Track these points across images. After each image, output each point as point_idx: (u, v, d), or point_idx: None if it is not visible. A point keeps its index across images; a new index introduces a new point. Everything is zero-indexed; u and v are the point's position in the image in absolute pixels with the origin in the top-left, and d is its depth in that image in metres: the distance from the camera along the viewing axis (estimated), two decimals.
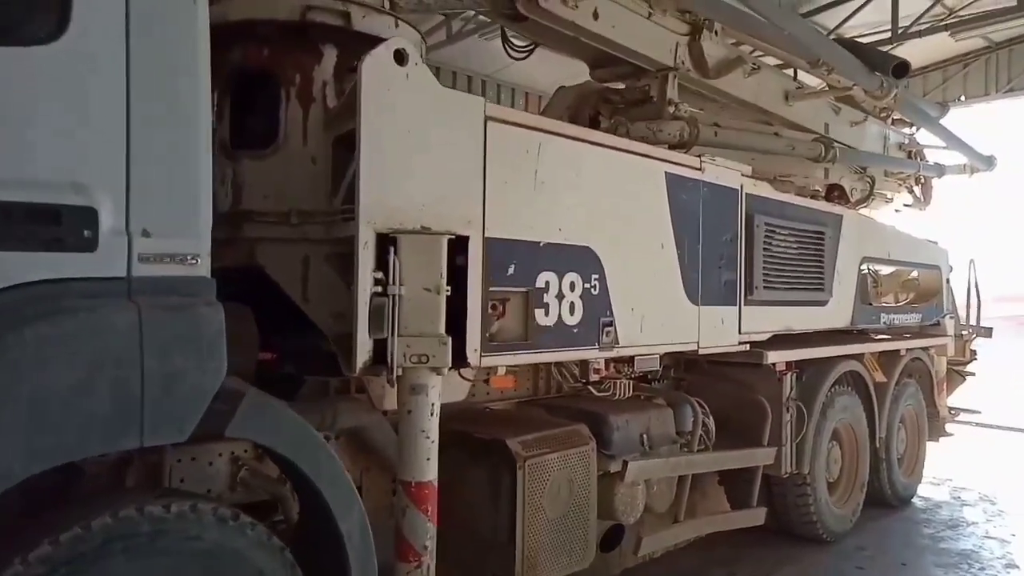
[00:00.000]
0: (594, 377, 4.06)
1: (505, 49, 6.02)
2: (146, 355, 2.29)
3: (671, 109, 5.47)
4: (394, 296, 3.10)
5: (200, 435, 2.50)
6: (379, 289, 3.09)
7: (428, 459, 3.21)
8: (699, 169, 4.62)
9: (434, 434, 3.22)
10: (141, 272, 2.39)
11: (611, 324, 3.99)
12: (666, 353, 4.68)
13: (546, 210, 3.62)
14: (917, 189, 9.14)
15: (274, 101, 3.83)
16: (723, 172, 4.83)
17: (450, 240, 3.24)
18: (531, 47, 6.07)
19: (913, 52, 11.30)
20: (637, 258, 4.17)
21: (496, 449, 3.70)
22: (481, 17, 9.51)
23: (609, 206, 3.98)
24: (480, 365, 3.35)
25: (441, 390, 3.24)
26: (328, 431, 3.66)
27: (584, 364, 4.05)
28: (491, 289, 3.39)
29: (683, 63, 5.79)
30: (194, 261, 2.52)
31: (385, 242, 3.15)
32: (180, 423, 2.37)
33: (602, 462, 4.41)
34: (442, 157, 3.18)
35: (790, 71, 7.61)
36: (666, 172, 4.35)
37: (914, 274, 8.50)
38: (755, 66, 6.58)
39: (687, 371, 5.87)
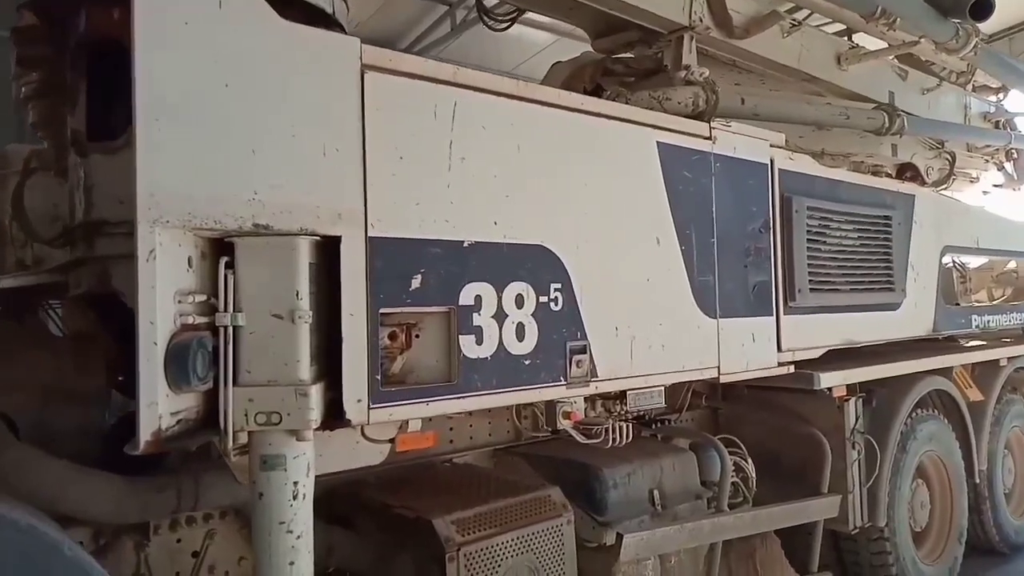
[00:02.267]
0: (564, 423, 2.98)
1: (481, 19, 5.05)
2: None
3: (682, 74, 4.36)
4: (226, 328, 2.13)
5: None
6: (198, 319, 2.12)
7: (292, 563, 2.21)
8: (708, 138, 3.50)
9: (301, 526, 2.23)
10: None
11: (584, 351, 2.92)
12: (675, 384, 3.55)
13: (470, 196, 2.59)
14: (1009, 165, 7.67)
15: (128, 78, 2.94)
16: (744, 142, 3.69)
17: (316, 243, 2.26)
18: (513, 15, 5.09)
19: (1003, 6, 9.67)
20: (620, 259, 3.08)
21: (422, 531, 2.67)
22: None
23: (573, 190, 2.92)
24: (368, 421, 2.33)
25: (312, 458, 2.25)
26: (190, 511, 2.71)
27: (551, 406, 2.98)
28: (383, 311, 2.38)
29: (701, 20, 4.66)
30: None
31: (218, 249, 2.19)
32: None
33: (593, 532, 3.34)
34: (289, 123, 2.19)
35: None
36: (659, 142, 3.25)
37: (1011, 264, 7.06)
38: (795, 22, 5.40)
39: (725, 399, 4.71)
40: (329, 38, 2.30)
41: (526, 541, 2.82)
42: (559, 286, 2.83)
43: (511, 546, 2.77)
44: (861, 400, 4.49)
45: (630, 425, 3.43)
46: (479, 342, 2.59)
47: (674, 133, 3.33)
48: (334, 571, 3.07)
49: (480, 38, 8.82)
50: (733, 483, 4.06)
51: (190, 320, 2.08)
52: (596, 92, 4.76)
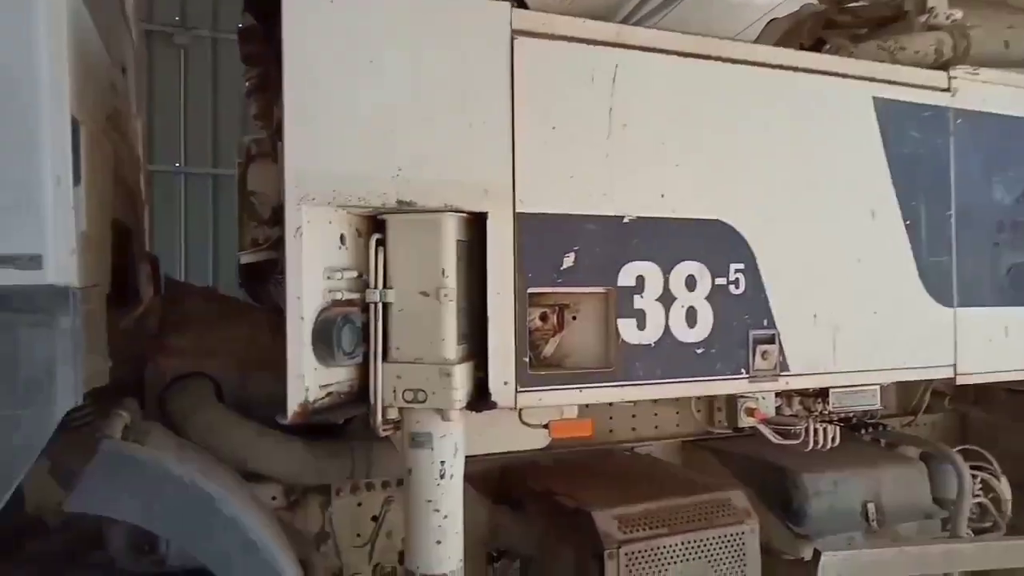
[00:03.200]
0: (747, 421, 2.64)
1: None
2: None
3: (924, 19, 3.66)
4: (375, 305, 2.15)
5: None
6: (348, 295, 2.16)
7: (439, 542, 2.20)
8: (946, 90, 2.89)
9: (448, 506, 2.21)
10: None
11: (772, 340, 2.56)
12: (901, 383, 3.02)
13: (633, 167, 2.36)
14: None
15: None
16: (998, 94, 3.00)
17: (464, 220, 2.20)
18: None
19: None
20: (821, 236, 2.66)
21: (581, 523, 2.53)
22: None
23: (760, 156, 2.56)
24: (515, 405, 2.23)
25: (460, 438, 2.21)
26: (364, 478, 2.82)
27: (732, 401, 2.66)
28: (532, 291, 2.25)
29: None
30: (34, 264, 1.83)
31: (372, 227, 2.22)
32: None
33: (789, 544, 2.96)
34: (433, 97, 2.13)
35: None
36: (876, 97, 2.74)
37: None
38: None
39: (976, 403, 3.96)
40: (476, 4, 2.20)
41: (699, 547, 2.56)
42: (741, 266, 2.51)
43: (680, 551, 2.52)
44: None
45: (837, 427, 2.99)
46: (641, 327, 2.37)
47: (897, 86, 2.79)
48: (502, 552, 3.05)
49: (701, 3, 8.27)
50: (979, 504, 3.41)
51: (339, 296, 2.13)
52: (816, 48, 4.20)
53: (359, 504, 2.95)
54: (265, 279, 4.44)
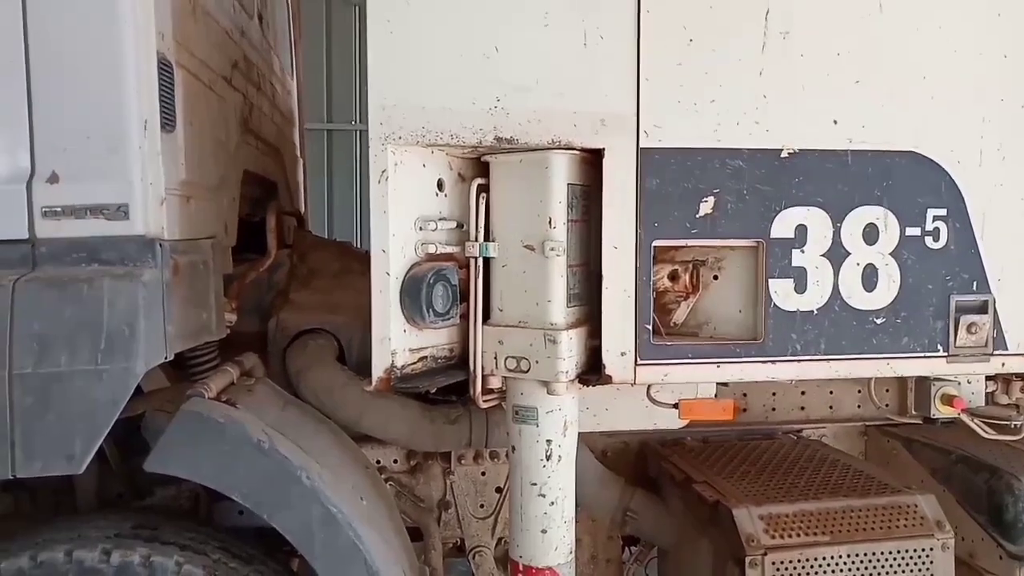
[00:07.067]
0: (941, 411, 2.08)
1: None
2: (16, 351, 1.62)
3: None
4: (476, 260, 1.88)
5: None
6: (444, 249, 1.90)
7: (544, 531, 1.93)
8: None
9: (556, 491, 1.93)
10: (47, 232, 1.73)
11: (983, 310, 1.97)
12: None
13: (796, 86, 1.87)
14: None
15: None
16: None
17: (577, 159, 1.85)
18: None
19: None
20: None
21: (721, 520, 2.14)
22: None
23: (979, 66, 1.95)
24: (633, 380, 1.87)
25: (571, 415, 1.91)
26: (481, 447, 2.59)
27: (922, 386, 2.11)
28: (659, 244, 1.86)
29: None
30: (122, 214, 1.75)
31: (477, 169, 1.94)
32: (67, 448, 1.65)
33: (1000, 564, 2.38)
34: (541, 9, 1.78)
35: None
36: None
37: None
38: None
39: None
40: None
41: (869, 562, 2.06)
42: (942, 213, 1.94)
43: (845, 565, 2.05)
44: None
45: None
46: (801, 289, 1.90)
47: None
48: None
49: None
50: None
51: (434, 249, 1.88)
52: None
53: (483, 473, 2.75)
54: None
